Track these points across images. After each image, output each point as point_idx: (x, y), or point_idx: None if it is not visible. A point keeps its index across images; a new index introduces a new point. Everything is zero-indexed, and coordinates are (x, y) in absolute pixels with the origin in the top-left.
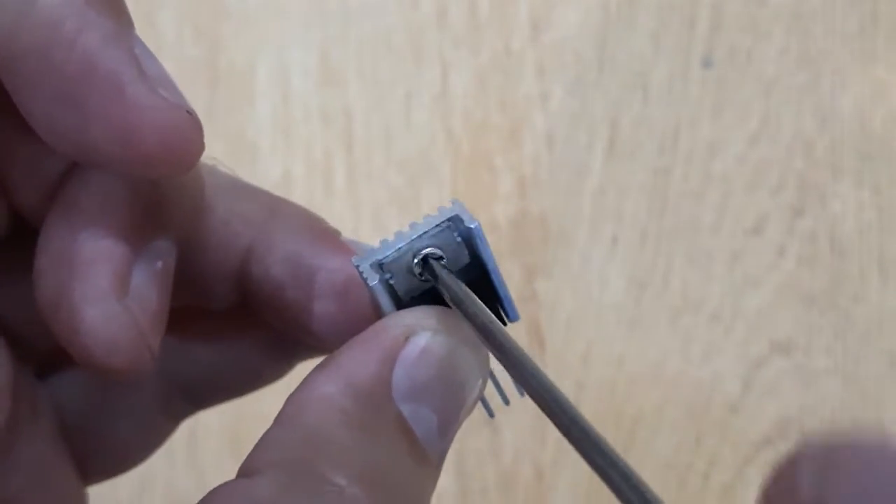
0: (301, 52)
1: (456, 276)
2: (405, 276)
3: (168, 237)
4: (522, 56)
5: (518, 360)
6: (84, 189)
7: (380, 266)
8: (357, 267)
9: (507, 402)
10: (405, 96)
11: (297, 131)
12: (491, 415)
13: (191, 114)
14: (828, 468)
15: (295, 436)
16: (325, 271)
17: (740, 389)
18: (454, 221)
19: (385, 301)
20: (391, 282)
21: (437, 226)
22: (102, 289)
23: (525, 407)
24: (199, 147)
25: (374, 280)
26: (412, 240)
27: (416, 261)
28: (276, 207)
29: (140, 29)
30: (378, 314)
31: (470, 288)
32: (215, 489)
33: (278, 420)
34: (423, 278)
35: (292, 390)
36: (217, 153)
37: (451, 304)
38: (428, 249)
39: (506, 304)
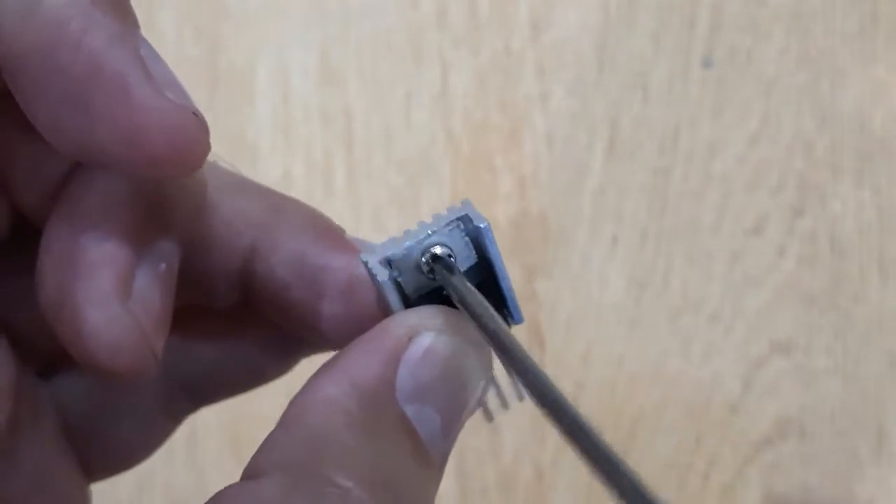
0: (301, 52)
1: (463, 276)
2: (413, 273)
3: (171, 238)
4: (522, 56)
5: (522, 363)
6: (87, 189)
7: (388, 263)
8: (366, 263)
9: (506, 405)
10: (405, 96)
11: (297, 131)
12: (490, 419)
13: (197, 115)
14: None
15: (299, 438)
16: (331, 270)
17: (740, 389)
18: (463, 221)
19: (393, 298)
20: (399, 279)
21: (447, 225)
22: (105, 291)
23: (525, 407)
24: (206, 148)
25: (383, 276)
26: (421, 238)
27: (424, 259)
28: (279, 205)
29: (140, 28)
30: (385, 311)
31: (476, 288)
32: (220, 492)
33: (282, 422)
34: (430, 276)
35: (293, 389)
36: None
37: (457, 303)
38: (437, 248)
39: (510, 306)
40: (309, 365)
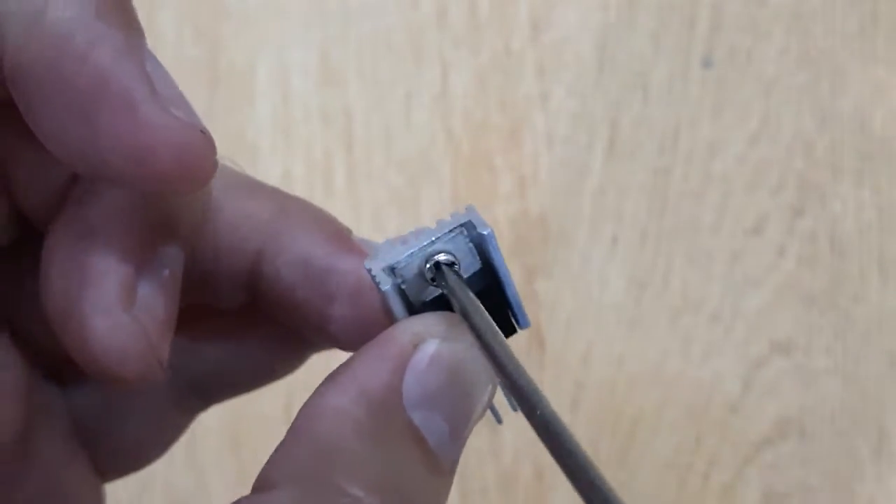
0: (301, 52)
1: (468, 282)
2: (417, 280)
3: (175, 243)
4: (522, 56)
5: (515, 379)
6: (89, 196)
7: (392, 270)
8: (369, 271)
9: (514, 408)
10: (405, 96)
11: (297, 131)
12: (499, 420)
13: (204, 133)
14: None
15: (310, 448)
16: (338, 273)
17: (740, 389)
18: (467, 227)
19: (397, 306)
20: (403, 286)
21: (450, 231)
22: (110, 299)
23: None
24: (212, 166)
25: (386, 285)
26: (424, 245)
27: (428, 266)
28: (286, 206)
29: None
30: (390, 318)
31: (481, 294)
32: None
33: (292, 432)
34: (434, 283)
35: (293, 389)
36: (244, 169)
37: (457, 313)
38: (440, 255)
39: (517, 311)
40: (312, 364)
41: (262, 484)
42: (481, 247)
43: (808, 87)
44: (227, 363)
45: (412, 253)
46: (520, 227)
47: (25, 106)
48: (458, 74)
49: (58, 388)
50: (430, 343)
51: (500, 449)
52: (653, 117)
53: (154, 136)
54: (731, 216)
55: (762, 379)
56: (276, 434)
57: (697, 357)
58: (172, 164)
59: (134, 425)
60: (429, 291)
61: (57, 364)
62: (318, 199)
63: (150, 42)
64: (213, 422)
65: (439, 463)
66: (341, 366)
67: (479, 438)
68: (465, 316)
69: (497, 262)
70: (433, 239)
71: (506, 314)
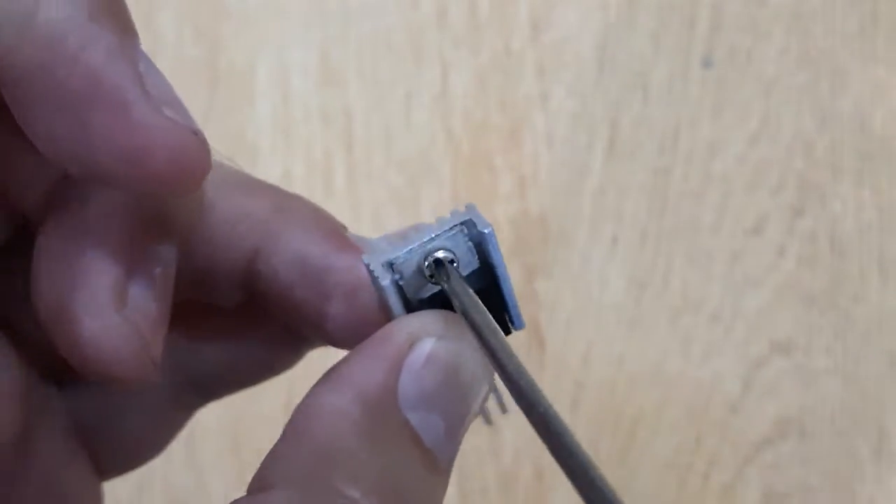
0: (301, 52)
1: (465, 282)
2: (415, 277)
3: (167, 242)
4: (522, 56)
5: (515, 377)
6: (81, 195)
7: (391, 266)
8: (368, 266)
9: (504, 410)
10: (405, 96)
11: (297, 131)
12: (488, 422)
13: (197, 134)
14: None
15: (306, 449)
16: (335, 271)
17: (740, 389)
18: (467, 225)
19: (394, 302)
20: (401, 283)
21: (450, 229)
22: (101, 300)
23: None
24: (206, 167)
25: (385, 280)
26: (424, 241)
27: (426, 263)
28: (282, 203)
29: (140, 29)
30: (387, 315)
31: (478, 293)
32: None
33: (288, 432)
34: (433, 281)
35: (293, 389)
36: (241, 167)
37: (457, 311)
38: (440, 252)
39: (512, 312)
40: (313, 363)
41: (259, 485)
42: (481, 246)
43: (808, 87)
44: (225, 360)
45: (411, 249)
46: (520, 227)
47: (18, 108)
48: (458, 74)
49: (56, 387)
50: (426, 342)
51: (500, 449)
52: (653, 117)
53: (147, 138)
54: (731, 216)
55: (762, 379)
56: (276, 434)
57: (697, 357)
58: (165, 166)
59: (132, 423)
60: (426, 289)
61: (55, 363)
62: (318, 199)
63: (150, 42)
64: (213, 422)
65: (436, 462)
66: (337, 364)
67: (479, 438)
68: (465, 314)
69: (496, 262)
70: (433, 236)
71: (501, 315)
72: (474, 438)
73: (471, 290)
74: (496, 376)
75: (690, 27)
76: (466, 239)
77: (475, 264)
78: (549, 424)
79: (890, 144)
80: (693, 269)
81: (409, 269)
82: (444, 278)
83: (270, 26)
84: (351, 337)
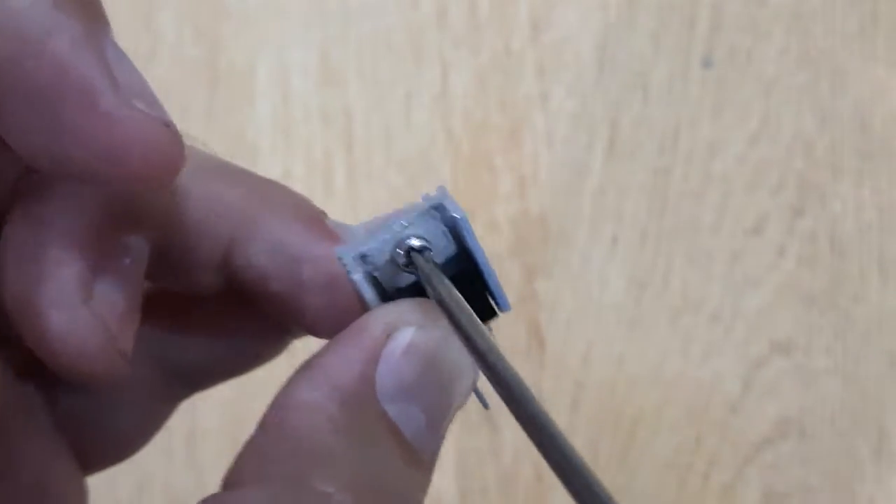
0: (301, 52)
1: (443, 267)
2: (389, 267)
3: (138, 232)
4: (522, 56)
5: (492, 364)
6: (48, 185)
7: (363, 258)
8: (340, 259)
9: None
10: (405, 96)
11: (297, 131)
12: (486, 406)
13: (169, 126)
14: None
15: (280, 445)
16: (311, 261)
17: (740, 389)
18: (439, 210)
19: (369, 294)
20: (375, 274)
21: (422, 214)
22: (67, 292)
23: None
24: (179, 161)
25: (356, 273)
26: (396, 230)
27: (400, 251)
28: (258, 189)
29: (140, 29)
30: (363, 306)
31: (458, 278)
32: (200, 503)
33: (262, 427)
34: (408, 270)
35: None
36: (217, 153)
37: (432, 298)
38: (413, 241)
39: (496, 294)
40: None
41: (232, 481)
42: (455, 230)
43: (808, 87)
44: (208, 351)
45: (384, 239)
46: (520, 227)
47: None
48: (458, 74)
49: (36, 382)
50: (404, 332)
51: (500, 449)
52: (653, 117)
53: (116, 131)
54: (731, 216)
55: (762, 379)
56: None
57: (697, 357)
58: (137, 160)
59: (116, 417)
60: (403, 278)
61: (33, 358)
62: (318, 199)
63: (150, 42)
64: (213, 422)
65: (417, 455)
66: (312, 357)
67: (479, 438)
68: (440, 302)
69: (473, 247)
70: (405, 224)
71: (485, 298)
72: (474, 438)
73: (444, 278)
74: None
75: (690, 27)
76: (440, 224)
77: (452, 249)
78: (527, 408)
79: (890, 144)
80: (693, 269)
81: (382, 259)
82: (419, 267)
83: (270, 26)
84: (331, 328)
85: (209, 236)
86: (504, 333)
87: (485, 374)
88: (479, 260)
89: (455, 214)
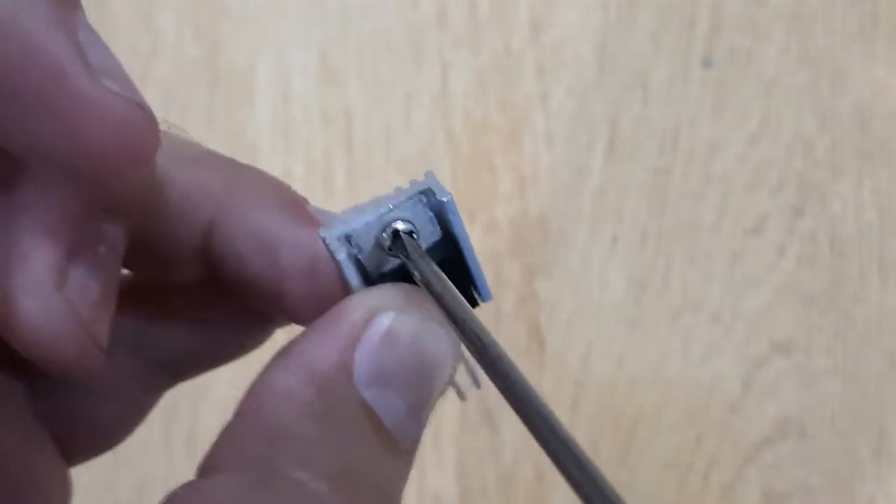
0: (301, 52)
1: (427, 253)
2: (374, 250)
3: (115, 219)
4: (522, 56)
5: (484, 343)
6: (21, 170)
7: (347, 239)
8: (323, 239)
9: (478, 385)
10: (405, 96)
11: (297, 131)
12: (462, 398)
13: (143, 108)
14: None
15: (255, 431)
16: (292, 246)
17: (740, 389)
18: (426, 194)
19: (352, 276)
20: (359, 256)
21: (409, 198)
22: (39, 279)
23: None
24: (153, 143)
25: (341, 253)
26: (382, 213)
27: (385, 234)
28: (238, 175)
29: (140, 29)
30: (346, 291)
31: (441, 265)
32: (174, 491)
33: (238, 414)
34: (392, 253)
35: None
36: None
37: (418, 282)
38: (398, 223)
39: (478, 283)
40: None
41: (206, 468)
42: (441, 215)
43: (808, 87)
44: (190, 340)
45: (369, 221)
46: (520, 227)
47: None
48: (458, 74)
49: (17, 374)
50: (384, 316)
51: (500, 449)
52: (653, 117)
53: (86, 111)
54: (731, 216)
55: (762, 379)
56: None
57: (697, 357)
58: (108, 141)
59: (99, 408)
60: (387, 262)
61: (13, 349)
62: (318, 199)
63: (150, 42)
64: (213, 422)
65: (396, 443)
66: (290, 343)
67: (479, 438)
68: (426, 284)
69: (458, 231)
70: (391, 206)
71: (467, 287)
72: (474, 438)
73: (430, 260)
74: (464, 350)
75: (690, 27)
76: (426, 209)
77: (437, 235)
78: (518, 391)
79: (890, 144)
80: (693, 269)
81: (367, 241)
82: (403, 250)
83: (270, 26)
84: (313, 314)
85: (188, 223)
86: (504, 333)
87: (472, 355)
88: (464, 245)
89: (442, 198)
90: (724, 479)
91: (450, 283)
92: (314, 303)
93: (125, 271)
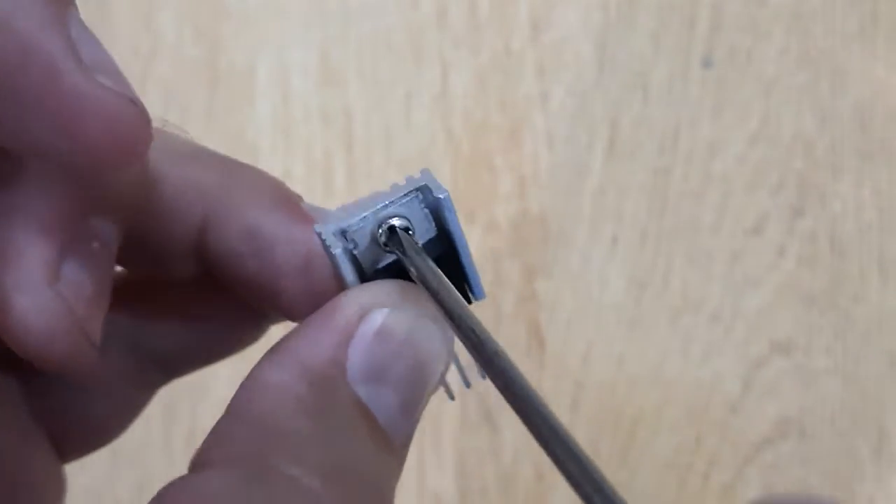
0: (301, 52)
1: (422, 249)
2: (369, 246)
3: (108, 216)
4: (522, 56)
5: (481, 340)
6: (13, 166)
7: (343, 234)
8: (319, 234)
9: (468, 384)
10: (405, 96)
11: (297, 131)
12: (451, 397)
13: (135, 103)
14: None
15: (247, 427)
16: (287, 243)
17: (740, 389)
18: (422, 191)
19: (348, 271)
20: (354, 252)
21: (405, 195)
22: (32, 275)
23: None
24: (146, 139)
25: (337, 248)
26: (378, 208)
27: (381, 230)
28: (233, 172)
29: (140, 29)
30: (341, 286)
31: (436, 262)
32: (165, 487)
33: (230, 409)
34: (387, 249)
35: None
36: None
37: (414, 278)
38: (394, 219)
39: (472, 282)
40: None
41: (198, 464)
42: (437, 212)
43: (808, 87)
44: (184, 337)
45: (364, 217)
46: (520, 227)
47: None
48: (458, 74)
49: (11, 371)
50: (378, 313)
51: (500, 449)
52: (653, 117)
53: (79, 106)
54: (731, 216)
55: (762, 379)
56: None
57: (697, 357)
58: (100, 136)
59: (93, 404)
60: (382, 258)
61: (7, 346)
62: (318, 199)
63: (150, 42)
64: (212, 421)
65: (389, 439)
66: (283, 338)
67: (479, 438)
68: (422, 280)
69: (453, 229)
70: (387, 203)
71: (461, 285)
72: (474, 438)
73: (426, 256)
74: (455, 348)
75: (690, 27)
76: (422, 206)
77: (432, 232)
78: (516, 388)
79: (890, 144)
80: (693, 269)
81: (362, 237)
82: (399, 246)
83: (270, 26)
84: (307, 311)
85: (182, 220)
86: (504, 333)
87: (469, 352)
88: (459, 242)
89: (438, 194)
90: (724, 479)
91: (446, 279)
92: (309, 300)
93: (119, 268)
